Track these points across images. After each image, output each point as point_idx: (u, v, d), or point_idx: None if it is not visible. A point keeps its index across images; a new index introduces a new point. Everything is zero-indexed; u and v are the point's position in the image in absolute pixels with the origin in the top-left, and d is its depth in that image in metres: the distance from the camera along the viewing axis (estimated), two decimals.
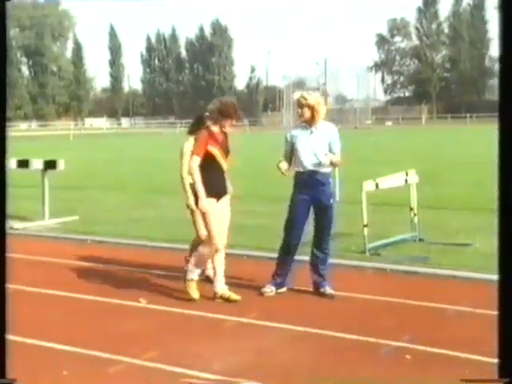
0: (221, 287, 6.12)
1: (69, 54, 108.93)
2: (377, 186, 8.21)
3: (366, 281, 6.67)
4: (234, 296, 6.05)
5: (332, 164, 6.11)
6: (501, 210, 2.83)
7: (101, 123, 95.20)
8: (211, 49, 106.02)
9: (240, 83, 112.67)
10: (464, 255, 7.76)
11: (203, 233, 6.27)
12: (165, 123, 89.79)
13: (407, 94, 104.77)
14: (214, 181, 5.97)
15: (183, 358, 4.67)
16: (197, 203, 6.00)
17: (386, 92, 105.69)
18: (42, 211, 10.66)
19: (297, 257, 6.35)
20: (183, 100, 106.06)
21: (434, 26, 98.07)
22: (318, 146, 6.04)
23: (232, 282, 6.35)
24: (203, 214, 6.01)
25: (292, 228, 6.18)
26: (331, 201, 6.19)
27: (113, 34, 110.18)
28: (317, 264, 6.24)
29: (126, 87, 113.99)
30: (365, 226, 7.82)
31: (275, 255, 6.46)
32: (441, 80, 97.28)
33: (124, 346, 4.91)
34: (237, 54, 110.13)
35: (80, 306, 6.12)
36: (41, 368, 4.47)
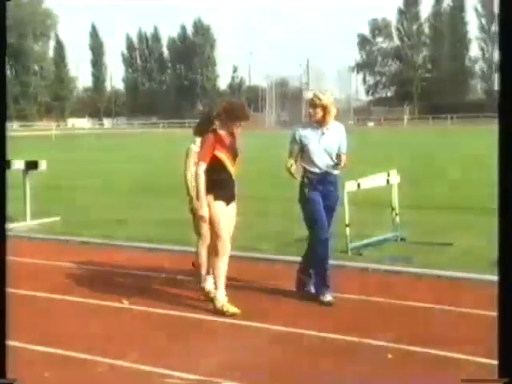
0: (221, 297, 5.79)
1: (51, 53, 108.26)
2: (358, 186, 8.26)
3: (348, 280, 6.70)
4: (233, 309, 5.70)
5: (343, 165, 6.04)
6: (501, 210, 2.82)
7: (83, 123, 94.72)
8: (194, 48, 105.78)
9: (222, 83, 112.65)
10: (445, 254, 7.82)
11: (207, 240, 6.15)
12: (147, 123, 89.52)
13: (389, 95, 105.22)
14: (222, 185, 5.75)
15: (165, 359, 4.67)
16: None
17: (367, 92, 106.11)
18: (23, 212, 10.59)
19: (278, 257, 6.37)
20: (166, 100, 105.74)
21: (414, 27, 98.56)
22: (331, 147, 5.98)
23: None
24: (211, 219, 5.73)
25: (319, 222, 5.95)
26: (338, 203, 6.20)
27: (94, 34, 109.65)
28: (316, 268, 6.13)
29: (108, 87, 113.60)
30: (347, 225, 7.86)
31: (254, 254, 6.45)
32: (422, 80, 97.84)
33: (106, 347, 4.90)
34: (219, 53, 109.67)
35: (61, 307, 6.10)
36: (20, 370, 4.44)
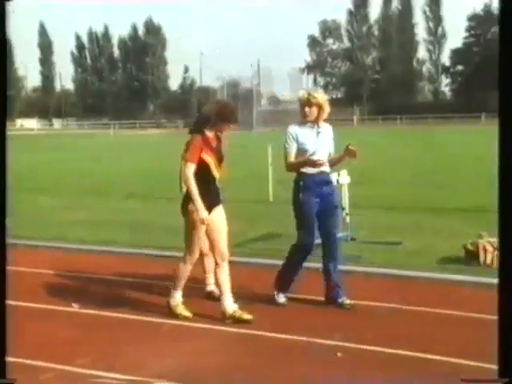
0: (230, 305, 5.58)
1: None
2: None
3: (298, 281, 6.74)
4: (246, 315, 5.50)
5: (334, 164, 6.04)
6: (501, 210, 2.80)
7: (32, 124, 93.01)
8: (145, 48, 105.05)
9: (174, 83, 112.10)
10: (394, 253, 7.95)
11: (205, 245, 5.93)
12: (98, 124, 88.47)
13: (339, 96, 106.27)
14: (206, 191, 5.49)
15: (117, 363, 4.64)
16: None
17: None
18: None
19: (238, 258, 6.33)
20: (117, 100, 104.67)
21: (364, 29, 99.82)
22: (327, 146, 5.94)
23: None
24: (196, 228, 5.51)
25: (309, 227, 5.83)
26: (337, 201, 6.13)
27: (43, 32, 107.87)
28: (331, 273, 5.99)
29: (57, 87, 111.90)
30: None
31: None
32: (372, 82, 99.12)
33: (55, 353, 4.84)
34: (170, 54, 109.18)
35: (9, 313, 5.97)
36: None
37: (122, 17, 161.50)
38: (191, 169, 5.47)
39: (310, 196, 5.80)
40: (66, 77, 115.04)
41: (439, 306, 5.88)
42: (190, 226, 5.57)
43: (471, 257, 7.36)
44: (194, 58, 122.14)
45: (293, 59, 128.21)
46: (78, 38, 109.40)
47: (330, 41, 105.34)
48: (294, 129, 5.91)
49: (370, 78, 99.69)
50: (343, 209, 8.85)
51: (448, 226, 9.62)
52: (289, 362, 4.68)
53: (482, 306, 5.87)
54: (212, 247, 5.72)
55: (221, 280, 5.62)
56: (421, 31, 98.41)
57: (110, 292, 6.51)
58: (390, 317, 5.68)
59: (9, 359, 4.66)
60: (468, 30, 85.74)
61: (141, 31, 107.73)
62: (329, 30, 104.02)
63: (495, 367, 4.38)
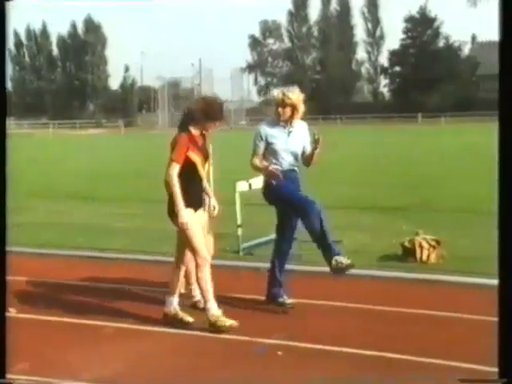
0: (215, 312, 5.35)
1: None
2: (250, 186, 8.32)
3: (240, 280, 6.78)
4: (230, 321, 5.30)
5: (310, 163, 5.93)
6: (501, 211, 2.78)
7: None
8: (84, 47, 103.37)
9: (114, 83, 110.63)
10: None
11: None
12: (37, 124, 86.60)
13: None
14: (192, 191, 5.33)
15: (55, 369, 4.57)
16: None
17: (259, 93, 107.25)
18: None
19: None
20: (56, 99, 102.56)
21: (304, 29, 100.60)
22: (297, 147, 5.82)
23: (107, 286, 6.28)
24: (183, 229, 5.31)
25: (288, 228, 5.89)
26: None
27: None
28: (279, 269, 6.01)
29: None
30: (238, 226, 7.94)
31: (151, 258, 6.37)
32: (312, 82, 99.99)
33: None
34: (110, 52, 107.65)
35: None
36: None
37: (60, 14, 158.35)
38: (176, 169, 5.28)
39: (290, 184, 5.74)
40: None
41: (379, 303, 5.99)
42: (184, 229, 5.33)
43: (408, 254, 7.53)
44: (135, 58, 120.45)
45: (234, 59, 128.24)
46: (16, 35, 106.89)
47: (270, 41, 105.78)
48: (264, 128, 5.80)
49: (311, 78, 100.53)
50: None
51: (386, 225, 9.81)
52: (230, 361, 4.70)
53: (419, 301, 6.02)
54: (191, 250, 5.47)
55: (204, 284, 5.39)
56: (359, 32, 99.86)
57: (50, 295, 6.40)
58: (331, 315, 5.76)
59: None
60: (405, 31, 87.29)
61: (80, 29, 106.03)
62: (269, 30, 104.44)
63: (428, 360, 4.51)
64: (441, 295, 6.25)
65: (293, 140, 5.80)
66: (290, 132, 5.79)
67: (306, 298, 6.15)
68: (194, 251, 5.36)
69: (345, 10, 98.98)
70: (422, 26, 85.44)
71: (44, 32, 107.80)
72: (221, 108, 5.52)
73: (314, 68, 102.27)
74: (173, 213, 5.34)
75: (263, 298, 6.07)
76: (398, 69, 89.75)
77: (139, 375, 4.48)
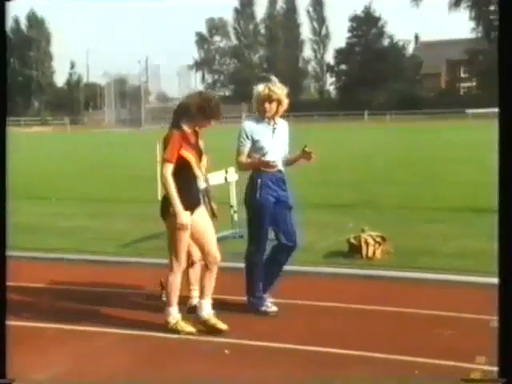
0: (207, 312, 5.28)
1: None
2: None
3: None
4: (221, 325, 5.18)
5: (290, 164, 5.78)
6: (501, 211, 2.74)
7: None
8: (28, 43, 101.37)
9: (60, 79, 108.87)
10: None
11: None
12: None
13: (227, 94, 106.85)
14: (187, 190, 5.07)
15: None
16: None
17: (206, 90, 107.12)
18: None
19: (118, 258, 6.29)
20: None
21: (251, 27, 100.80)
22: (283, 144, 5.65)
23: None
24: (180, 230, 5.07)
25: (262, 238, 5.66)
26: (292, 200, 5.77)
27: None
28: (274, 276, 5.84)
29: None
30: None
31: (93, 257, 6.28)
32: (259, 80, 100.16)
33: None
34: (56, 49, 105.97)
35: None
36: None
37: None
38: (169, 168, 5.02)
39: (268, 195, 5.51)
40: None
41: (325, 299, 6.06)
42: (174, 231, 5.12)
43: (354, 250, 7.63)
44: (81, 54, 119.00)
45: (181, 56, 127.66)
46: None
47: (217, 38, 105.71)
48: (249, 125, 5.55)
49: (258, 76, 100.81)
50: (231, 206, 8.93)
51: (332, 222, 9.92)
52: (179, 360, 4.69)
53: (364, 297, 6.12)
54: (202, 251, 5.32)
55: (206, 283, 5.28)
56: (306, 31, 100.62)
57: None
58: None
59: None
60: (350, 30, 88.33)
61: (23, 25, 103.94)
62: (216, 27, 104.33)
63: (377, 355, 4.59)
64: (384, 290, 6.36)
65: (278, 137, 5.61)
66: (274, 128, 5.58)
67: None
68: (174, 254, 5.18)
69: (291, 9, 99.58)
70: (366, 25, 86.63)
71: None
72: (218, 105, 5.20)
73: (261, 66, 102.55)
74: (166, 214, 5.12)
75: (215, 296, 6.07)
76: (343, 67, 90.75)
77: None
